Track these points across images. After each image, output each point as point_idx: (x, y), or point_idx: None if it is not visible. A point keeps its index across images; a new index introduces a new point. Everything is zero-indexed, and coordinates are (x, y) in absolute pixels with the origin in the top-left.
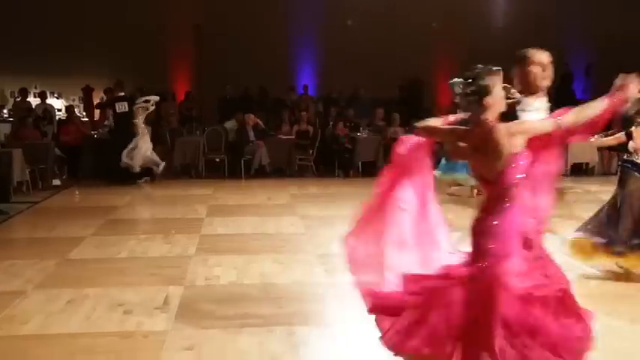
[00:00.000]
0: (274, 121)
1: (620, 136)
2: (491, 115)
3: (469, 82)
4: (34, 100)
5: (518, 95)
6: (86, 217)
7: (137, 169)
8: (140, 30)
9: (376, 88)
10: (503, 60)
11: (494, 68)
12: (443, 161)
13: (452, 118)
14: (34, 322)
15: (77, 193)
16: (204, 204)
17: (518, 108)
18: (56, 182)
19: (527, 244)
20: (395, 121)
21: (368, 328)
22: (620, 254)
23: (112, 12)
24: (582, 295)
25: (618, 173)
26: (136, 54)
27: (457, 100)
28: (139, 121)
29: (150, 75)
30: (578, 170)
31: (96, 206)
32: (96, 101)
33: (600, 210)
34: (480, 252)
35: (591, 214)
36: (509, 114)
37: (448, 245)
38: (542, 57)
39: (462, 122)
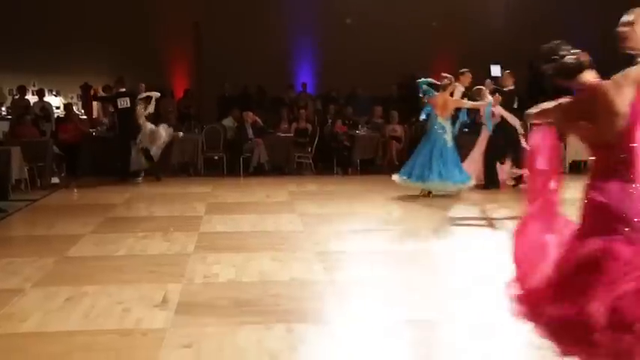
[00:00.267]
0: (273, 119)
1: None
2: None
3: (556, 58)
4: (32, 98)
5: (489, 98)
6: (85, 215)
7: (155, 153)
8: (139, 27)
9: (375, 86)
10: (502, 58)
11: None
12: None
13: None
14: (32, 319)
15: (76, 190)
16: (203, 202)
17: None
18: (55, 180)
19: None
20: (393, 118)
21: (366, 325)
22: None
23: (111, 9)
24: None
25: None
26: (135, 51)
27: (424, 97)
28: (142, 118)
29: (149, 72)
30: (577, 168)
31: (94, 204)
32: (94, 102)
33: None
34: (609, 223)
35: None
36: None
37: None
38: None
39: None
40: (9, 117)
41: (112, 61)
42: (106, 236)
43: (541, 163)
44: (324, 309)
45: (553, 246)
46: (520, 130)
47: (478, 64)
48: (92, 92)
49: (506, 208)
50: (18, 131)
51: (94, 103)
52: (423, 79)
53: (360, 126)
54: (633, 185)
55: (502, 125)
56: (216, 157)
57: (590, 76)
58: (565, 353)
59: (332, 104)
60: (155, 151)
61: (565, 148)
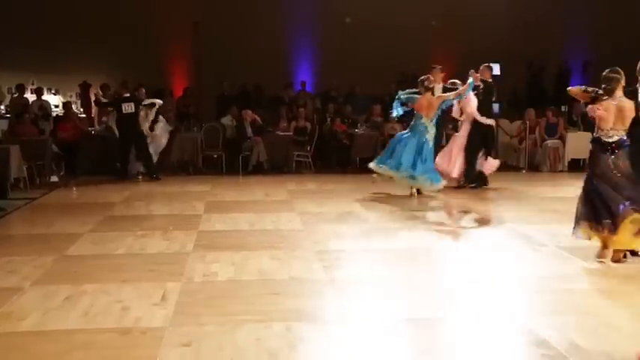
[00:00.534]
0: (272, 117)
1: None
2: None
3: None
4: (30, 97)
5: (437, 87)
6: (84, 214)
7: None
8: (138, 26)
9: (374, 85)
10: (501, 57)
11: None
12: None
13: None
14: (31, 318)
15: (75, 189)
16: (202, 200)
17: None
18: (54, 179)
19: None
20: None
21: (366, 324)
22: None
23: (110, 8)
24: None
25: None
26: (134, 50)
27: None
28: (145, 125)
29: (148, 71)
30: (576, 166)
31: (94, 203)
32: (92, 98)
33: None
34: None
35: None
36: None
37: None
38: None
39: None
40: (8, 115)
41: (110, 60)
42: (105, 235)
43: None
44: (323, 308)
45: None
46: (492, 124)
47: (478, 63)
48: (94, 97)
49: (502, 206)
50: (17, 130)
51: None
52: (401, 93)
53: (359, 125)
54: None
55: (479, 122)
56: (215, 156)
57: None
58: None
59: (331, 103)
60: (154, 150)
61: (564, 147)
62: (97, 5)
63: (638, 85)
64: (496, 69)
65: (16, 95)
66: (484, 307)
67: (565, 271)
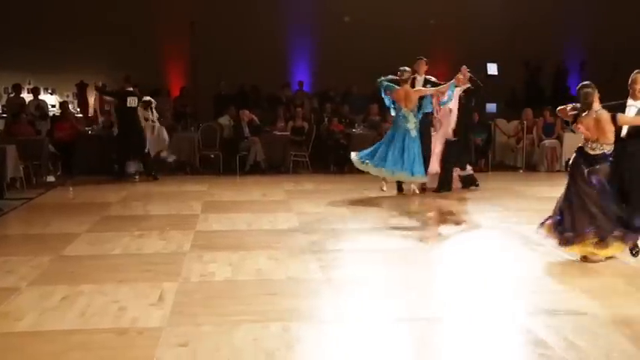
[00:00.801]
0: (269, 117)
1: None
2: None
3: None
4: (27, 96)
5: (419, 78)
6: (81, 214)
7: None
8: (135, 26)
9: (372, 85)
10: (499, 57)
11: None
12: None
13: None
14: (28, 318)
15: (71, 189)
16: (199, 200)
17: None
18: (50, 179)
19: None
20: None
21: (363, 324)
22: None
23: (108, 7)
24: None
25: None
26: (131, 50)
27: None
28: (143, 121)
29: (145, 71)
30: None
31: (90, 203)
32: (91, 98)
33: None
34: None
35: None
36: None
37: None
38: None
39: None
40: (4, 115)
41: (108, 60)
42: (102, 235)
43: None
44: (320, 308)
45: None
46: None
47: (476, 63)
48: (100, 85)
49: (499, 206)
50: (13, 129)
51: (90, 100)
52: (383, 78)
53: (356, 124)
54: None
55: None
56: (212, 156)
57: None
58: None
59: (328, 103)
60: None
61: (561, 146)
62: (93, 5)
63: (628, 97)
64: (493, 69)
65: (12, 95)
66: (481, 306)
67: (562, 270)
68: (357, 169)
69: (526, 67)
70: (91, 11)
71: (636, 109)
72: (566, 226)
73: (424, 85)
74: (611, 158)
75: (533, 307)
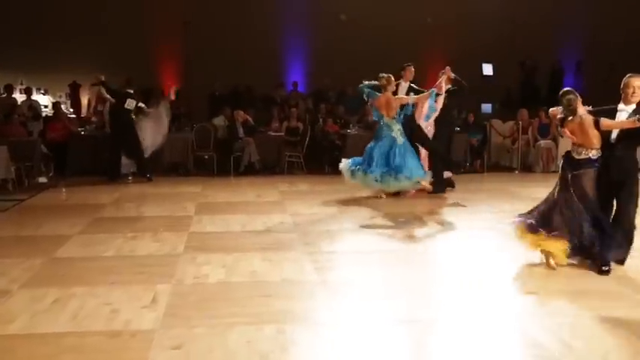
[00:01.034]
0: (264, 117)
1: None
2: None
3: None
4: (19, 97)
5: (403, 85)
6: (73, 216)
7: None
8: (129, 26)
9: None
10: (495, 57)
11: None
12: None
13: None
14: (19, 321)
15: (64, 190)
16: (193, 202)
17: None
18: (42, 180)
19: None
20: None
21: (358, 325)
22: None
23: (100, 8)
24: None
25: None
26: (125, 50)
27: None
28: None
29: (138, 71)
30: None
31: (83, 204)
32: (84, 98)
33: None
34: None
35: None
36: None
37: None
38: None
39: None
40: None
41: (101, 60)
42: (95, 237)
43: None
44: (315, 309)
45: None
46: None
47: (471, 62)
48: (103, 79)
49: (495, 207)
50: (5, 130)
51: (84, 100)
52: (365, 84)
53: (351, 125)
54: None
55: (442, 130)
56: (206, 157)
57: None
58: None
59: (323, 103)
60: (151, 142)
61: (557, 147)
62: (87, 6)
63: (620, 102)
64: (488, 69)
65: (4, 95)
66: (477, 308)
67: (558, 272)
68: None
69: (521, 67)
70: (84, 11)
71: (627, 114)
72: (537, 218)
73: (407, 93)
74: (597, 163)
75: (529, 308)
